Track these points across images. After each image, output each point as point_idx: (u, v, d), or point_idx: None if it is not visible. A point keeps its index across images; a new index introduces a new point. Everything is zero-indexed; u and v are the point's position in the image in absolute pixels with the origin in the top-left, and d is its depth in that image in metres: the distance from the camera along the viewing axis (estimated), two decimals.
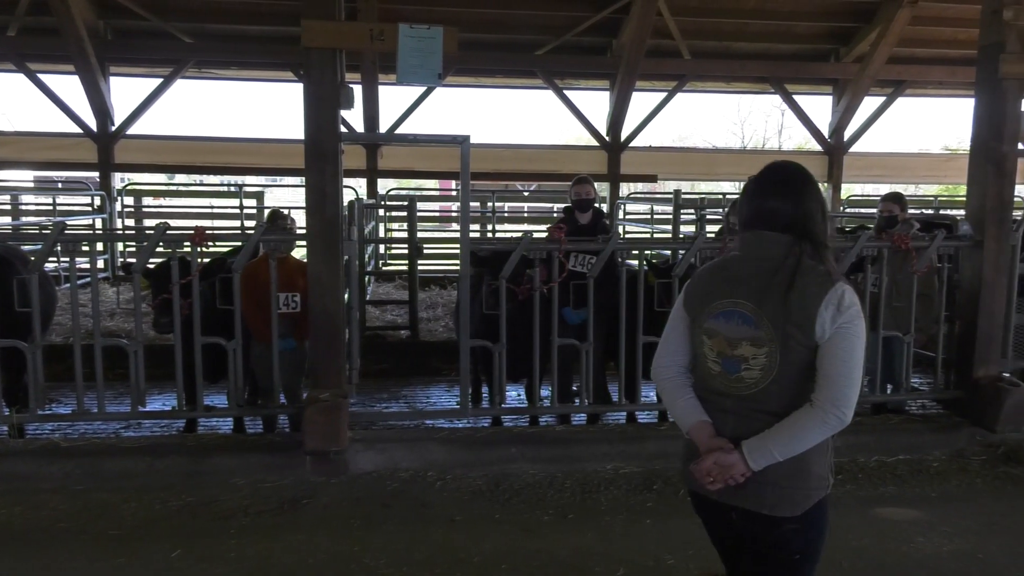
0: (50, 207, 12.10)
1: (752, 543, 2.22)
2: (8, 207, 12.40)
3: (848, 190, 16.13)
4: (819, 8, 11.97)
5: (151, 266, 4.95)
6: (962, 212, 6.03)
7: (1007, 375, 5.34)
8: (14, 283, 4.74)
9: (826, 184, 13.56)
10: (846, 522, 4.07)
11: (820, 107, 13.75)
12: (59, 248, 5.96)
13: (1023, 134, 5.24)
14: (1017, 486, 4.58)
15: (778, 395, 2.08)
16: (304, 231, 4.84)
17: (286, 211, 5.97)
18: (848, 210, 13.28)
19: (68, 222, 5.25)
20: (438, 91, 12.30)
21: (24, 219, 12.36)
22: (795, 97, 13.24)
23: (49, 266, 8.08)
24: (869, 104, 13.18)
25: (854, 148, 13.47)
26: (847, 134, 13.30)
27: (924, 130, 40.64)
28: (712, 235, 5.92)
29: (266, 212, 7.90)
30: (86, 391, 4.75)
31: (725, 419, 2.15)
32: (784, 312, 2.04)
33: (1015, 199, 5.71)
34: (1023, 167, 6.62)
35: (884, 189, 9.36)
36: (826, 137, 13.34)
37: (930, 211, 12.92)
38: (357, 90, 10.58)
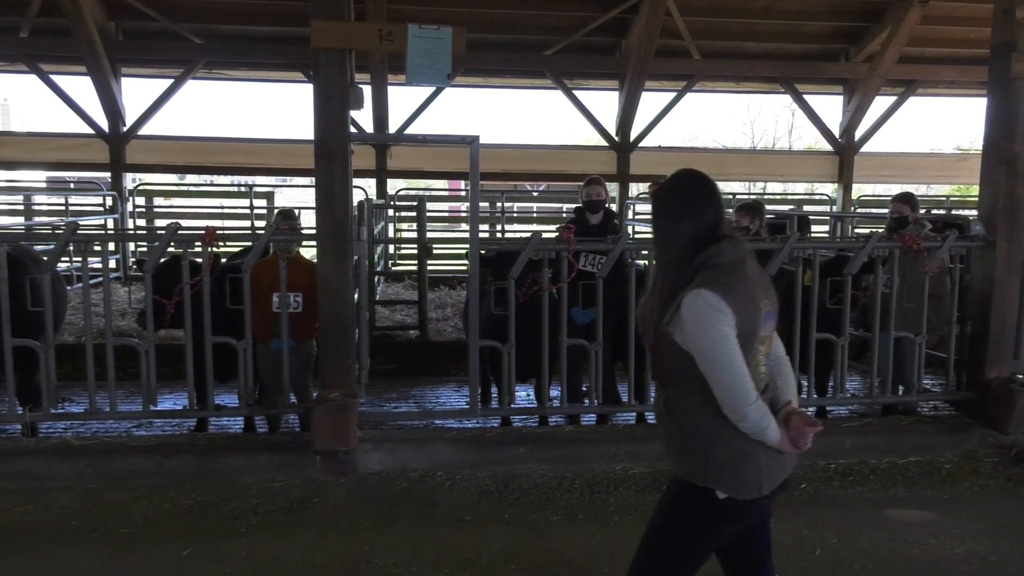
0: (62, 207, 12.16)
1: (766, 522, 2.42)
2: (21, 207, 12.48)
3: (859, 190, 16.05)
4: (829, 7, 11.91)
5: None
6: (974, 212, 6.00)
7: (1020, 376, 5.30)
8: (27, 283, 4.78)
9: (837, 184, 13.51)
10: (856, 523, 4.06)
11: (831, 107, 13.70)
12: (71, 248, 5.99)
13: None
14: None
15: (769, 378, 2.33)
16: (312, 231, 4.85)
17: (296, 211, 5.99)
18: (859, 210, 13.22)
19: (80, 222, 5.28)
20: (447, 91, 12.30)
21: (37, 219, 12.43)
22: (805, 97, 13.17)
23: (61, 266, 8.14)
24: (880, 104, 13.10)
25: (865, 148, 13.39)
26: (858, 134, 13.23)
27: (935, 130, 40.43)
28: None
29: (275, 212, 7.93)
30: (98, 390, 4.78)
31: None
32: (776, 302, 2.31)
33: None
34: None
35: (895, 189, 9.30)
36: (837, 137, 13.28)
37: (942, 211, 12.85)
38: (366, 90, 10.61)
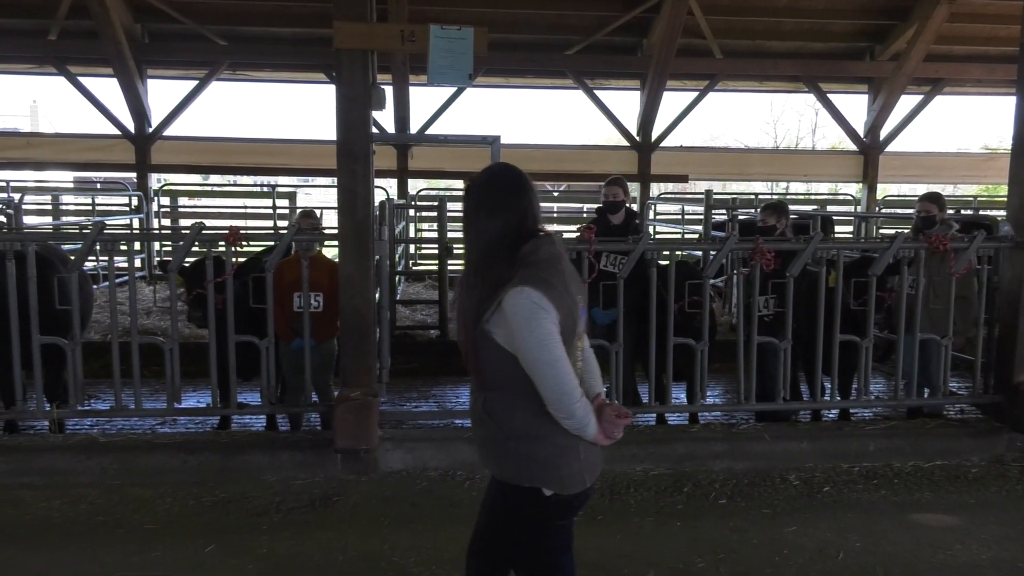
0: (89, 207, 12.34)
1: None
2: (49, 207, 12.69)
3: (884, 190, 15.84)
4: (854, 5, 11.78)
5: (186, 264, 5.03)
6: (1002, 213, 5.90)
7: None
8: (55, 282, 4.85)
9: (861, 184, 13.36)
10: (881, 527, 4.02)
11: (855, 106, 13.56)
12: (98, 247, 6.08)
13: None
14: None
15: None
16: (334, 231, 4.88)
17: (318, 211, 6.03)
18: (884, 211, 13.06)
19: (107, 222, 5.34)
20: (468, 91, 12.33)
21: (64, 219, 12.64)
22: (829, 96, 13.06)
23: (88, 265, 8.25)
24: (906, 103, 12.96)
25: (890, 147, 13.24)
26: (883, 133, 13.08)
27: (963, 129, 39.77)
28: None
29: (297, 212, 7.98)
30: (123, 387, 4.84)
31: None
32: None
33: None
34: None
35: (921, 189, 9.18)
36: (861, 136, 13.13)
37: (969, 211, 12.65)
38: (388, 91, 10.65)
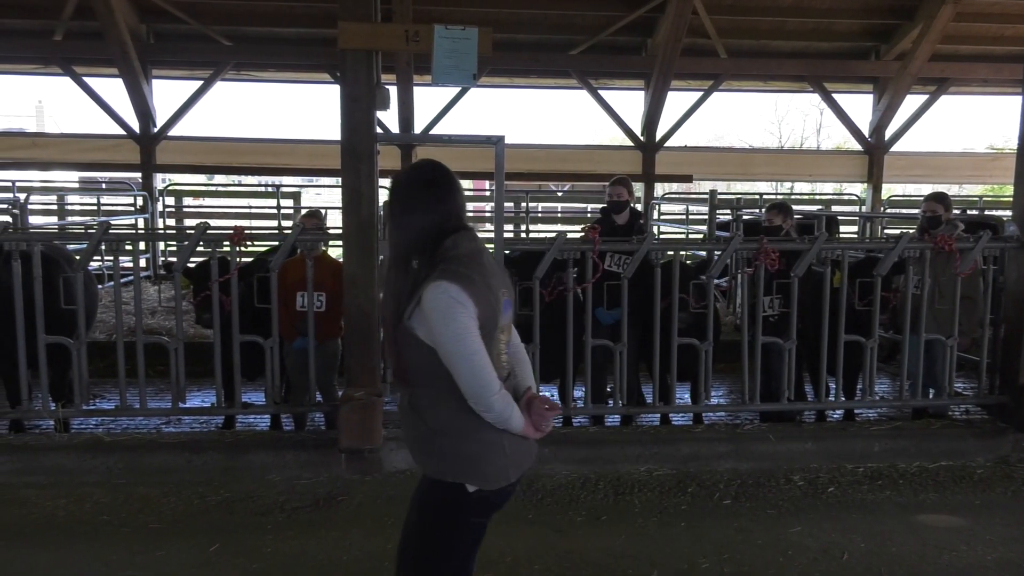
0: (94, 207, 12.38)
1: None
2: (54, 207, 12.71)
3: (889, 190, 15.80)
4: (859, 5, 11.75)
5: (191, 265, 5.05)
6: (1008, 213, 5.88)
7: None
8: (60, 281, 4.86)
9: (866, 184, 13.32)
10: (886, 528, 4.01)
11: (860, 106, 13.53)
12: (103, 247, 6.10)
13: None
14: None
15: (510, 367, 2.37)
16: (338, 230, 4.88)
17: (323, 211, 6.03)
18: (889, 211, 13.03)
19: (112, 222, 5.35)
20: (473, 91, 12.33)
21: (69, 219, 12.65)
22: (834, 96, 13.01)
23: (93, 265, 8.27)
24: (911, 102, 12.90)
25: (895, 147, 13.19)
26: (888, 133, 13.03)
27: (968, 129, 39.64)
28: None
29: (302, 212, 7.99)
30: (128, 387, 4.85)
31: None
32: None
33: None
34: None
35: (926, 189, 9.16)
36: (866, 136, 13.09)
37: (974, 211, 12.61)
38: (392, 91, 10.65)
